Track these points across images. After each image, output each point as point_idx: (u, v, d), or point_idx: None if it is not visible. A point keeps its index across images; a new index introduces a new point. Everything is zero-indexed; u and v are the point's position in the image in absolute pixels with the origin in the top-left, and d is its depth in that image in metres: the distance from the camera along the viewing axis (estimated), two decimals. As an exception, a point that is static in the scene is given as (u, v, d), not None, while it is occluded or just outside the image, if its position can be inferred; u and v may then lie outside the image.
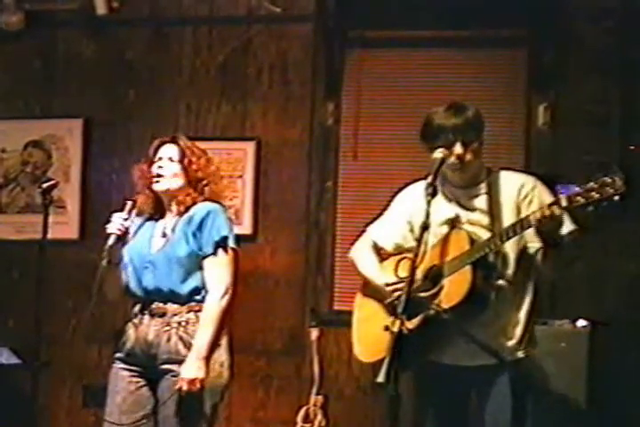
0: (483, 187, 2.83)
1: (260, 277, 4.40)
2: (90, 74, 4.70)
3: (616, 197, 2.42)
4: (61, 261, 4.31)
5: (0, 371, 4.22)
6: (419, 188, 2.81)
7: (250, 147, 4.46)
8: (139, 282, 3.00)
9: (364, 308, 3.00)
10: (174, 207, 3.05)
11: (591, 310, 3.88)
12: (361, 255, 3.01)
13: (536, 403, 3.38)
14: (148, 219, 3.08)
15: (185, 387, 2.85)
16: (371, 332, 2.87)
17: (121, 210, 3.02)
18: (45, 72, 4.75)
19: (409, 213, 2.88)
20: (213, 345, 2.91)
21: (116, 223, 2.98)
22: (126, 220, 2.99)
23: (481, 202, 2.81)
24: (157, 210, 3.08)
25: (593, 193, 2.44)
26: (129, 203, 3.02)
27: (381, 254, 3.00)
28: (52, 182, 3.49)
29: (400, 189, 3.02)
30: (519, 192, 2.78)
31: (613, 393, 3.81)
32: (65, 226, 4.50)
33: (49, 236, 3.44)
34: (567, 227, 2.71)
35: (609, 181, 2.43)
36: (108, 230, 2.99)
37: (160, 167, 3.02)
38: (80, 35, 4.72)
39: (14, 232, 4.63)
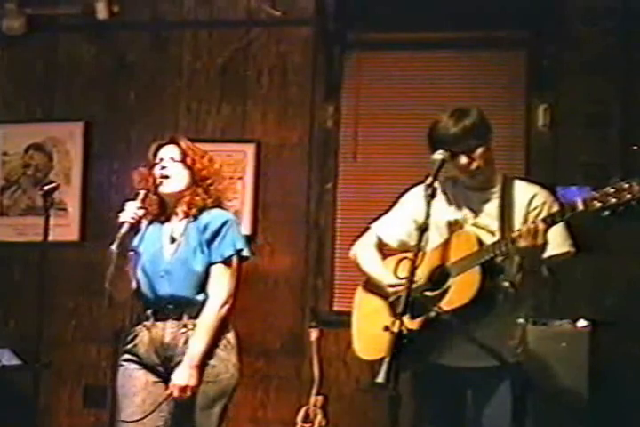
0: (496, 192, 2.83)
1: (260, 277, 4.40)
2: (90, 77, 4.72)
3: (633, 202, 2.43)
4: (62, 262, 4.32)
5: (1, 372, 4.21)
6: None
7: (250, 149, 4.47)
8: (153, 289, 2.97)
9: (365, 305, 3.00)
10: (181, 209, 3.02)
11: (592, 311, 3.88)
12: (364, 253, 3.01)
13: (537, 403, 3.39)
14: (151, 222, 3.04)
15: (176, 393, 2.86)
16: (371, 329, 2.87)
17: (133, 199, 2.95)
18: (47, 76, 4.78)
19: (415, 212, 2.87)
20: (207, 353, 2.91)
21: (129, 212, 2.90)
22: (140, 209, 2.92)
23: (492, 207, 2.82)
24: (162, 213, 3.04)
25: (609, 197, 2.45)
26: (142, 192, 2.95)
27: (384, 253, 3.00)
28: (53, 185, 3.50)
29: (407, 190, 3.00)
30: (530, 203, 2.79)
31: (614, 393, 3.81)
32: (66, 228, 4.50)
33: (50, 238, 3.45)
34: (561, 248, 2.74)
35: (626, 186, 2.43)
36: (122, 219, 2.90)
37: (163, 168, 2.99)
38: (81, 39, 4.75)
39: (16, 234, 4.64)
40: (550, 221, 2.59)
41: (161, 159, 3.03)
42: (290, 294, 4.40)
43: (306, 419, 4.22)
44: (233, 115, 4.53)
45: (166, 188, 3.00)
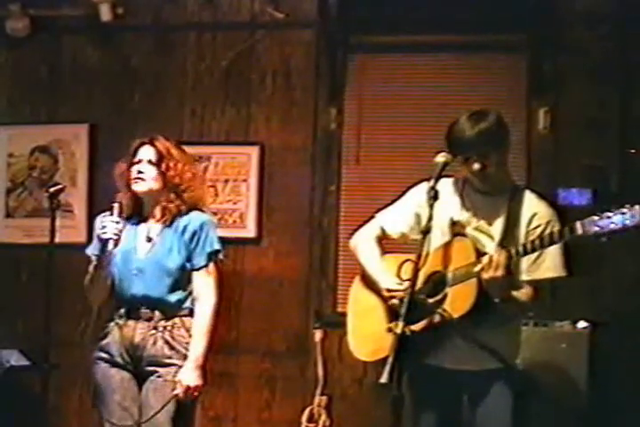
0: (505, 198, 2.80)
1: (265, 279, 4.43)
2: (95, 79, 4.73)
3: (632, 229, 2.41)
4: (69, 264, 4.29)
5: (10, 373, 4.23)
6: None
7: (254, 151, 4.49)
8: (126, 288, 3.02)
9: (362, 300, 2.99)
10: (158, 213, 3.07)
11: (591, 312, 3.90)
12: (365, 246, 2.99)
13: (536, 404, 3.42)
14: (126, 219, 3.06)
15: (182, 394, 2.93)
16: (367, 329, 2.90)
17: (106, 212, 2.98)
18: (51, 78, 4.78)
19: (419, 206, 2.86)
20: (208, 353, 3.00)
21: (111, 228, 2.92)
22: (118, 223, 2.94)
23: (498, 213, 2.80)
24: (137, 211, 3.08)
25: (610, 223, 2.42)
26: (116, 205, 2.98)
27: (383, 247, 2.99)
28: (58, 187, 3.48)
29: (414, 184, 2.98)
30: (531, 220, 2.76)
31: (614, 394, 3.84)
32: (72, 230, 4.51)
33: (56, 239, 3.45)
34: (556, 271, 2.75)
35: (625, 211, 2.41)
36: (105, 236, 2.92)
37: (140, 172, 3.04)
38: (85, 41, 4.75)
39: (22, 236, 4.66)
40: (546, 242, 2.58)
41: (140, 160, 3.07)
42: (294, 296, 4.42)
43: (310, 419, 4.24)
44: (237, 117, 4.55)
45: (140, 187, 3.04)
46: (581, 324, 3.78)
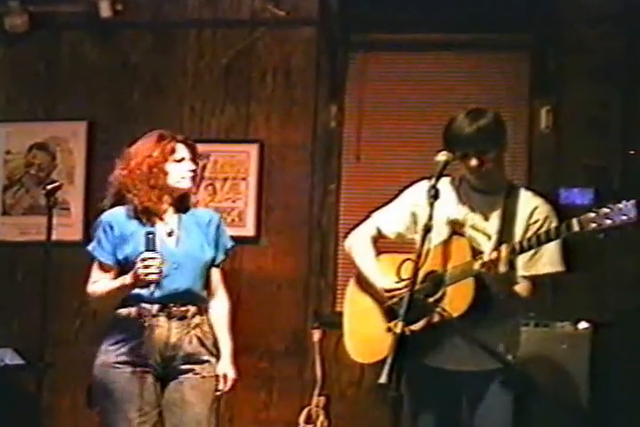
0: (500, 197, 2.81)
1: (263, 278, 4.42)
2: (94, 76, 4.72)
3: (629, 225, 2.41)
4: (65, 262, 4.30)
5: (4, 372, 4.22)
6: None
7: (253, 149, 4.48)
8: (167, 284, 2.89)
9: (357, 302, 2.99)
10: (181, 205, 3.05)
11: (593, 311, 3.90)
12: (359, 247, 2.99)
13: (536, 405, 3.41)
14: (138, 218, 2.98)
15: (227, 388, 3.04)
16: (365, 331, 2.90)
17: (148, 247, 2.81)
18: (50, 74, 4.78)
19: (415, 206, 2.87)
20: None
21: (154, 267, 2.77)
22: (157, 259, 2.78)
23: (494, 211, 2.80)
24: (160, 207, 3.01)
25: (605, 219, 2.43)
26: (151, 237, 2.80)
27: (378, 247, 2.99)
28: (55, 184, 3.48)
29: (411, 184, 2.98)
30: (530, 216, 2.77)
31: (614, 395, 3.83)
32: (69, 228, 4.50)
33: (53, 237, 3.45)
34: (554, 267, 2.74)
35: (621, 206, 2.41)
36: (151, 278, 2.76)
37: (192, 171, 3.02)
38: (84, 37, 4.75)
39: (18, 234, 4.65)
40: (543, 239, 2.58)
41: (182, 158, 3.03)
42: (293, 296, 4.41)
43: (308, 420, 4.23)
44: (237, 115, 4.54)
45: (190, 184, 3.03)
46: (582, 324, 3.77)
